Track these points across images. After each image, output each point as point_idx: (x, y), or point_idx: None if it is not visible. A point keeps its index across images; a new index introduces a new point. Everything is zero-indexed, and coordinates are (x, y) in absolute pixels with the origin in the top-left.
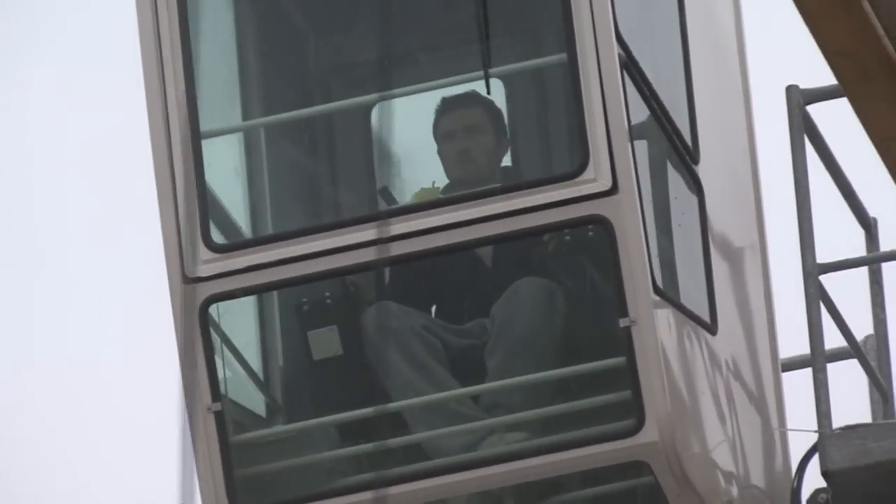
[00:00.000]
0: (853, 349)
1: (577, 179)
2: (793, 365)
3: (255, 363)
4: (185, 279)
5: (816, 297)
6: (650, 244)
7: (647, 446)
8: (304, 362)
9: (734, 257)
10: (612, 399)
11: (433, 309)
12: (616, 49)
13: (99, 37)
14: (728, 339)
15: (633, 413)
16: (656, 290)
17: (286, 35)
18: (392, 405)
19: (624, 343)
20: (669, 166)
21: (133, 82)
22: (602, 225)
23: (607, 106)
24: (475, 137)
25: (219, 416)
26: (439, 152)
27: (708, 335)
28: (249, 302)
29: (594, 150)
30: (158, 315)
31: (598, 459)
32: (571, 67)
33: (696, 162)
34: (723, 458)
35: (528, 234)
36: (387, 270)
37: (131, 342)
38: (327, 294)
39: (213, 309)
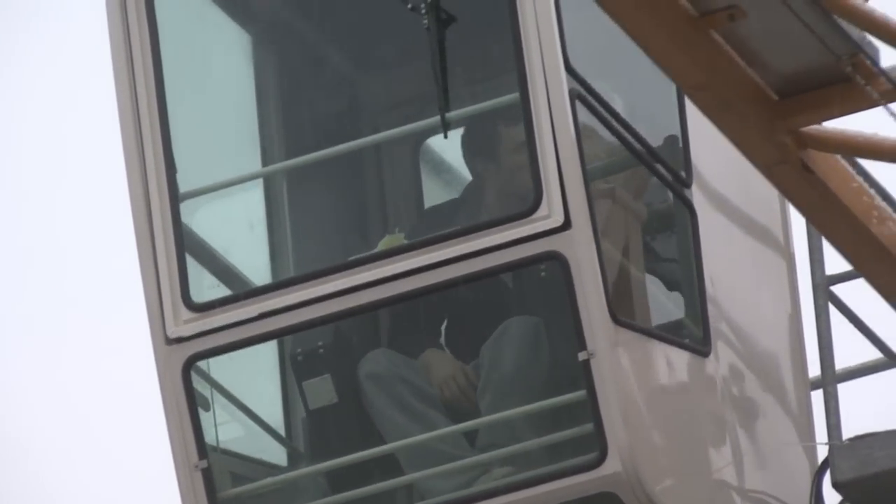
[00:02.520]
0: (889, 358)
1: (531, 217)
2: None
3: (251, 412)
4: (166, 340)
5: (825, 309)
6: (608, 276)
7: (610, 477)
8: (300, 411)
9: (746, 277)
10: (581, 432)
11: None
12: (565, 85)
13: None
14: (728, 360)
15: (598, 445)
16: (618, 320)
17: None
18: (378, 449)
19: (583, 376)
20: (655, 190)
21: (111, 143)
22: (557, 261)
23: (558, 141)
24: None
25: (206, 473)
26: (504, 163)
27: (697, 358)
28: (243, 353)
29: (547, 187)
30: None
31: (567, 493)
32: (523, 105)
33: (688, 185)
34: (717, 479)
35: (487, 274)
36: (387, 316)
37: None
38: (320, 344)
39: (204, 362)
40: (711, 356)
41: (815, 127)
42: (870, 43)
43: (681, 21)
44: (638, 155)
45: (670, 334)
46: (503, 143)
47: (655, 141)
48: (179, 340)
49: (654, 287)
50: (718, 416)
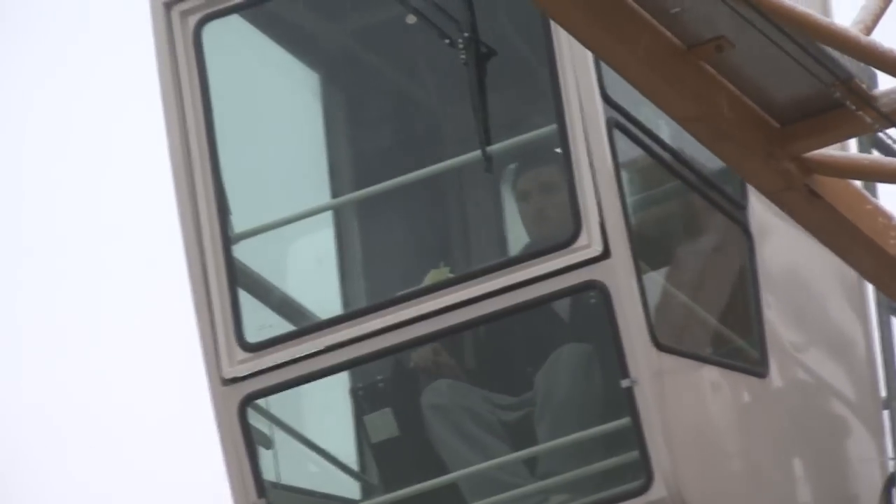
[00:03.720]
0: None
1: (571, 247)
2: None
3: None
4: (222, 381)
5: (888, 324)
6: (649, 304)
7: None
8: (363, 444)
9: (811, 294)
10: (630, 458)
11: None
12: (601, 114)
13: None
14: (790, 379)
15: (644, 471)
16: (662, 346)
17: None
18: (437, 480)
19: (627, 404)
20: (707, 213)
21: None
22: (598, 290)
23: (595, 171)
24: (551, 195)
25: None
26: (518, 212)
27: (754, 379)
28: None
29: (585, 217)
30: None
31: None
32: (561, 136)
33: (744, 207)
34: (776, 499)
35: (529, 306)
36: (455, 346)
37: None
38: (379, 378)
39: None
40: (770, 377)
41: (819, 152)
42: (867, 68)
43: (667, 54)
44: (686, 180)
45: (725, 357)
46: (516, 189)
47: (709, 164)
48: (234, 381)
49: (709, 310)
50: (778, 437)
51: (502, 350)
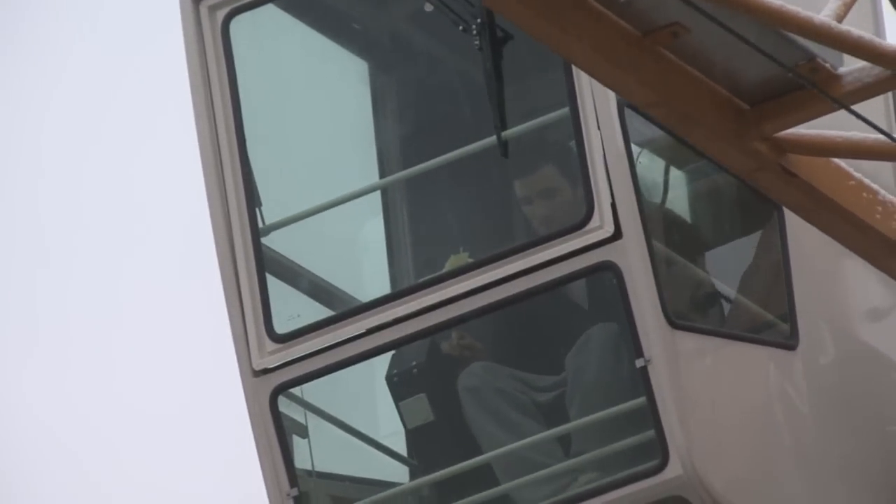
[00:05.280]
0: None
1: (584, 229)
2: None
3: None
4: (253, 372)
5: None
6: (662, 283)
7: (673, 481)
8: (400, 429)
9: (846, 265)
10: (646, 438)
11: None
12: (613, 95)
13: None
14: (824, 351)
15: (660, 450)
16: (677, 325)
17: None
18: (470, 462)
19: (642, 383)
20: (733, 187)
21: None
22: (610, 270)
23: (607, 152)
24: (552, 200)
25: (298, 501)
26: (525, 214)
27: (783, 352)
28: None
29: (598, 198)
30: None
31: (635, 499)
32: (573, 118)
33: None
34: (804, 470)
35: (545, 289)
36: (477, 328)
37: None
38: (414, 364)
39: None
40: (800, 349)
41: (791, 131)
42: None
43: (622, 43)
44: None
45: (754, 332)
46: (517, 192)
47: None
48: (265, 372)
49: (738, 285)
50: (811, 410)
51: (534, 333)
